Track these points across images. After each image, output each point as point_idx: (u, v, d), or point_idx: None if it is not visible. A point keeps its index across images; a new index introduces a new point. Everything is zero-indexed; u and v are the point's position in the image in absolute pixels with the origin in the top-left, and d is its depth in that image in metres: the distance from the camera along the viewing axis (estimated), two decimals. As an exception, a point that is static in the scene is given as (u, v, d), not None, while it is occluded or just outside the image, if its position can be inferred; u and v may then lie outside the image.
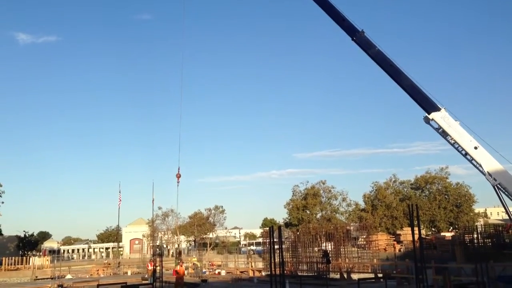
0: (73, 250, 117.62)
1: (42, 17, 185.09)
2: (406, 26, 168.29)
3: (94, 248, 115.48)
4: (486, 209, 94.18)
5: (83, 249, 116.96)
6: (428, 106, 28.01)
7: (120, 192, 70.91)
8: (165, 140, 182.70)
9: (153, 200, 71.87)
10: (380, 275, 33.13)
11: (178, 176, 29.12)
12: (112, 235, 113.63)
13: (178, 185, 29.10)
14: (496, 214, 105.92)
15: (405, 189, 79.98)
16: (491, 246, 44.27)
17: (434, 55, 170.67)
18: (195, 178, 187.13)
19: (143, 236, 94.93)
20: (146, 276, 39.77)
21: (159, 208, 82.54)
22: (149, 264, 37.26)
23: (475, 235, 46.82)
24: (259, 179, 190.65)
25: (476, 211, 78.99)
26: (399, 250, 58.25)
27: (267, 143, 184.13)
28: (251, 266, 47.35)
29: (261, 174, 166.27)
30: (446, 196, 74.65)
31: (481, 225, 62.72)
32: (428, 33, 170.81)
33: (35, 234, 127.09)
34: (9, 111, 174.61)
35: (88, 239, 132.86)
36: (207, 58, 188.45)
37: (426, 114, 28.12)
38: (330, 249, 42.26)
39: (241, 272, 43.99)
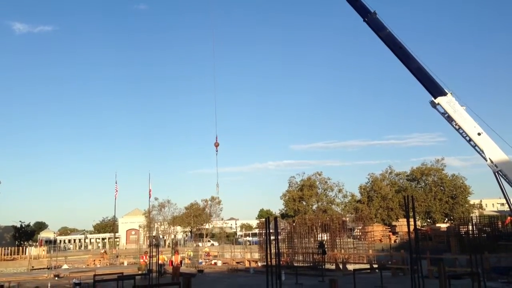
0: (69, 241, 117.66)
1: (39, 7, 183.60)
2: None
3: (90, 239, 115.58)
4: (481, 201, 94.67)
5: (79, 240, 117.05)
6: (435, 90, 28.10)
7: (116, 183, 70.91)
8: (161, 131, 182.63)
9: (149, 191, 71.98)
10: (375, 266, 33.35)
11: (217, 144, 29.33)
12: (109, 226, 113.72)
13: (216, 154, 29.46)
14: (491, 206, 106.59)
15: (401, 181, 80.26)
16: (486, 237, 44.53)
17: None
18: (191, 169, 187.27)
19: (140, 226, 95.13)
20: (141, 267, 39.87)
21: (156, 199, 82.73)
22: (144, 256, 37.22)
23: (470, 227, 47.01)
24: (255, 170, 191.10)
25: (471, 202, 79.38)
26: (395, 241, 58.51)
27: (264, 134, 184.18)
28: (247, 257, 47.56)
29: (257, 165, 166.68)
30: (441, 188, 74.97)
31: (476, 216, 63.01)
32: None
33: (31, 224, 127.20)
34: (6, 102, 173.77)
35: (84, 230, 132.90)
36: (206, 49, 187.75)
37: (433, 99, 28.22)
38: (326, 240, 42.46)
39: (237, 262, 44.17)
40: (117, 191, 73.86)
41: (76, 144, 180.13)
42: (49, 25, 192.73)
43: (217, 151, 29.24)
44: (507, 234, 46.56)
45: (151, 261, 26.01)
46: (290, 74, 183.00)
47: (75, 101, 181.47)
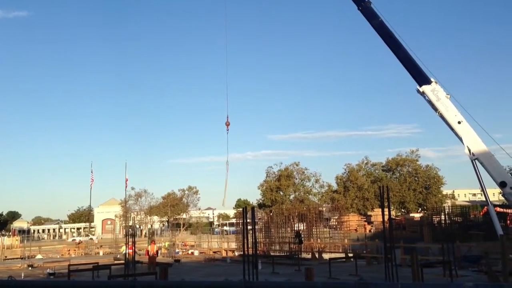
0: (43, 230, 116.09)
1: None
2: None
3: (65, 228, 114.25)
4: (453, 191, 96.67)
5: (53, 229, 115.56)
6: (421, 79, 28.88)
7: (92, 172, 70.20)
8: (139, 120, 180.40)
9: (126, 180, 71.51)
10: (350, 255, 33.84)
11: (228, 124, 30.16)
12: (84, 216, 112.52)
13: (227, 133, 30.38)
14: (464, 196, 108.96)
15: (376, 171, 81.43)
16: (458, 227, 45.65)
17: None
18: (168, 159, 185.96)
19: (116, 216, 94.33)
20: (118, 256, 39.64)
21: (132, 188, 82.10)
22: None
23: (443, 216, 48.13)
24: (233, 160, 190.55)
25: (444, 192, 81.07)
26: (370, 231, 59.48)
27: (242, 124, 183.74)
28: (224, 247, 47.71)
29: (235, 155, 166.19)
30: (416, 178, 76.38)
31: (449, 206, 64.51)
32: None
33: (4, 214, 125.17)
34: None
35: (59, 219, 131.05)
36: (189, 41, 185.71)
37: (418, 87, 29.02)
38: (302, 230, 42.88)
39: (214, 252, 44.27)
40: (92, 180, 73.18)
41: (50, 132, 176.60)
42: (24, 10, 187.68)
43: (228, 130, 30.35)
44: (478, 223, 47.81)
45: (127, 251, 25.91)
46: (269, 65, 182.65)
47: (49, 88, 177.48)
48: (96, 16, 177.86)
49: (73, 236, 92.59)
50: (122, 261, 27.80)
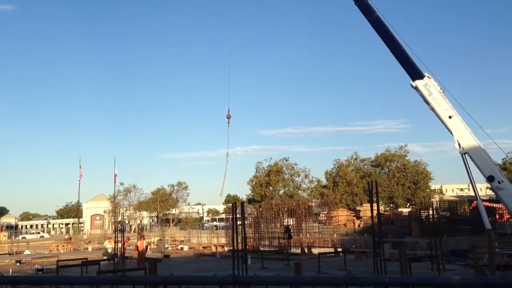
0: (31, 226, 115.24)
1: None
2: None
3: (53, 224, 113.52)
4: (441, 186, 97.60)
5: (41, 225, 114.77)
6: (414, 73, 29.20)
7: (80, 167, 69.59)
8: (128, 115, 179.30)
9: (115, 176, 71.12)
10: (339, 249, 34.06)
11: (229, 117, 30.73)
12: (72, 211, 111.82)
13: (228, 125, 30.99)
14: (451, 191, 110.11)
15: (365, 167, 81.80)
16: (445, 221, 46.12)
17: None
18: (158, 154, 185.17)
19: (105, 212, 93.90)
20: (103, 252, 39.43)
21: (121, 183, 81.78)
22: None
23: (431, 211, 48.59)
24: (223, 155, 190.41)
25: (432, 187, 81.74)
26: (359, 226, 59.81)
27: (231, 119, 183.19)
28: (214, 242, 47.73)
29: (225, 151, 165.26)
30: (404, 173, 76.91)
31: (437, 201, 65.07)
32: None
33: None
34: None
35: (47, 215, 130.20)
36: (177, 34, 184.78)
37: (411, 82, 29.39)
38: (291, 225, 43.03)
39: (204, 247, 44.28)
40: (81, 175, 72.51)
41: (38, 126, 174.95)
42: (10, 4, 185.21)
43: (229, 123, 30.97)
44: (466, 218, 48.39)
45: (116, 246, 25.81)
46: (259, 60, 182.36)
47: (37, 83, 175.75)
48: (84, 10, 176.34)
49: (62, 232, 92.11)
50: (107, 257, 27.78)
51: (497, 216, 45.70)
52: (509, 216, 46.62)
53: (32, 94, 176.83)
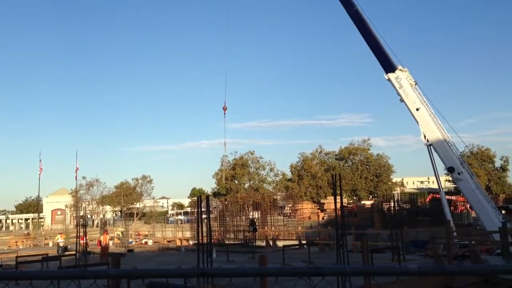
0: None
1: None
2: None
3: (12, 219, 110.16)
4: (403, 179, 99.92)
5: (0, 220, 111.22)
6: (387, 66, 29.97)
7: (41, 161, 67.86)
8: (90, 108, 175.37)
9: (76, 169, 69.47)
10: (304, 242, 34.48)
11: (225, 108, 31.62)
12: (32, 206, 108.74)
13: (225, 117, 31.93)
14: (412, 184, 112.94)
15: (330, 160, 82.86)
16: (406, 213, 47.33)
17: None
18: (121, 147, 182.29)
19: (66, 206, 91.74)
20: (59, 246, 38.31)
21: (84, 177, 79.94)
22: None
23: (392, 203, 49.72)
24: (188, 148, 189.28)
25: (394, 180, 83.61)
26: (323, 218, 60.65)
27: (197, 113, 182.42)
28: (179, 236, 47.48)
29: (190, 144, 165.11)
30: (367, 167, 78.39)
31: (398, 194, 66.65)
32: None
33: None
34: None
35: (5, 210, 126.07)
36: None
37: (384, 74, 30.16)
38: (257, 218, 43.28)
39: (169, 241, 43.99)
40: (41, 169, 70.74)
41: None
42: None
43: (225, 114, 31.99)
44: (425, 210, 49.78)
45: (78, 242, 25.28)
46: (223, 54, 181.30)
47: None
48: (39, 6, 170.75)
49: (21, 227, 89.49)
50: (61, 253, 27.21)
51: (452, 208, 47.25)
52: (463, 208, 48.40)
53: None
